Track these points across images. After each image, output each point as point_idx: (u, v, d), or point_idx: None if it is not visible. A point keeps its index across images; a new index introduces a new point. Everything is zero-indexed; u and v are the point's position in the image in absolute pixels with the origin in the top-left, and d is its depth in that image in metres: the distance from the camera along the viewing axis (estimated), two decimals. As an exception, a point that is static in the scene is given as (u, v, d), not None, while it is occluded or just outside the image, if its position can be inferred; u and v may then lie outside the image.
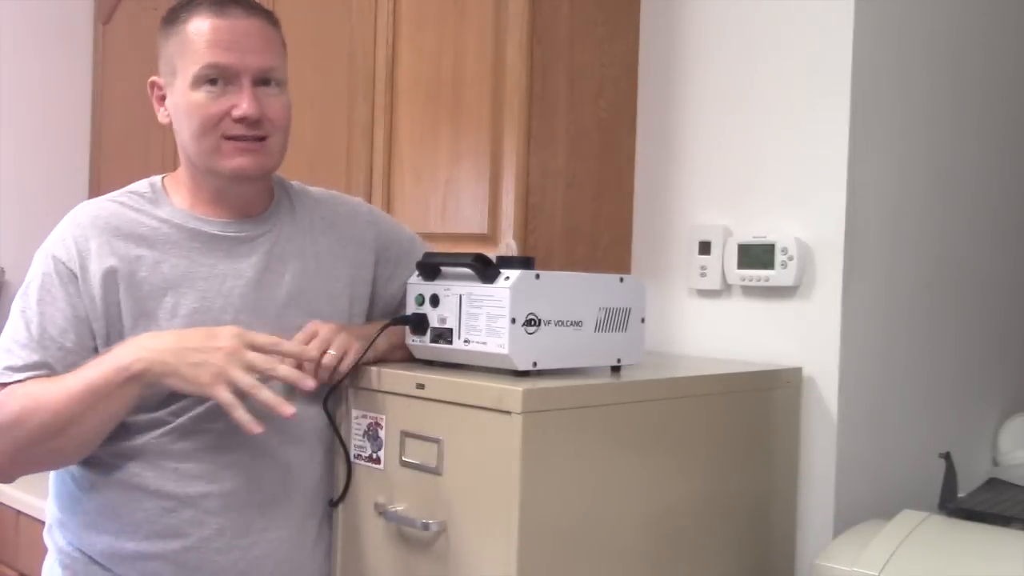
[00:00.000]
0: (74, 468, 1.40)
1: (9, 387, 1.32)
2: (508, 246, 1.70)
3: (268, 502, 1.41)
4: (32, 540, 2.52)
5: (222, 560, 1.37)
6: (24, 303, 1.38)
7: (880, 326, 1.79)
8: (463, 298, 1.35)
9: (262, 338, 1.30)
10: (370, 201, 1.93)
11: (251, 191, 1.46)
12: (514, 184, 1.78)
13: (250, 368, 1.28)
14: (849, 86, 1.69)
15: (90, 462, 1.38)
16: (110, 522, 1.37)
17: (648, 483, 1.44)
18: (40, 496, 2.50)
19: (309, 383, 1.31)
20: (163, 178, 1.50)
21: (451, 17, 1.90)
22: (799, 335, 1.75)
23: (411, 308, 1.42)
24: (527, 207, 1.79)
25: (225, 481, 1.38)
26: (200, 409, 1.36)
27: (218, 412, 1.34)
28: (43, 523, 2.41)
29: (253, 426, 1.26)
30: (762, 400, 1.67)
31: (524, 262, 1.35)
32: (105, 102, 3.01)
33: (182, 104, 1.40)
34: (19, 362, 1.34)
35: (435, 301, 1.38)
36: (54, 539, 1.44)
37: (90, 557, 1.39)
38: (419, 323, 1.40)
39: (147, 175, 2.79)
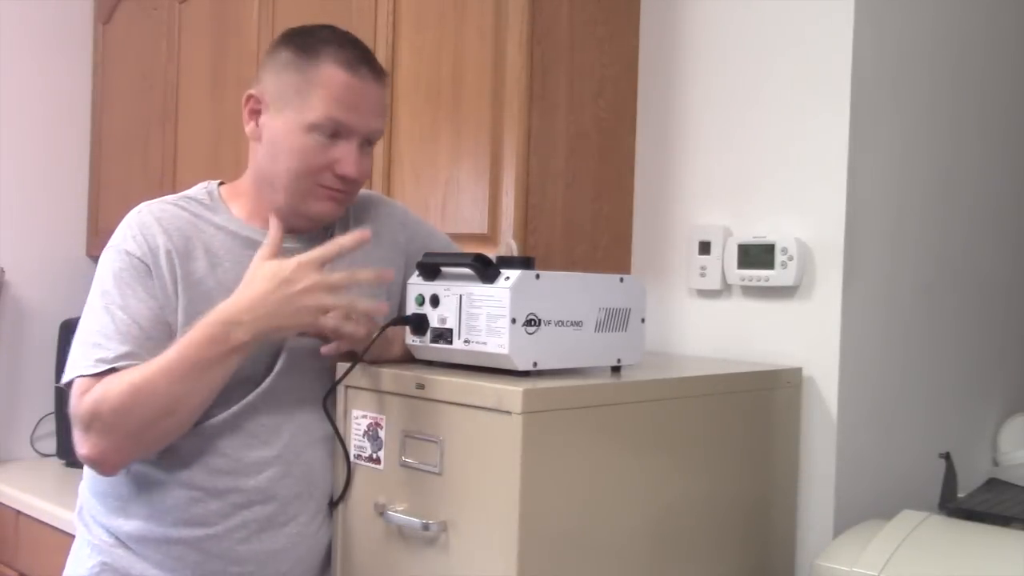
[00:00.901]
0: None
1: (105, 379, 1.34)
2: (508, 246, 1.70)
3: (291, 499, 1.44)
4: (32, 540, 2.52)
5: (243, 550, 1.41)
6: (106, 299, 1.40)
7: (880, 326, 1.80)
8: (463, 298, 1.35)
9: (336, 277, 1.34)
10: (370, 201, 1.93)
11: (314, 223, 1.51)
12: (514, 184, 1.78)
13: (334, 290, 1.33)
14: (849, 86, 1.69)
15: None
16: (140, 507, 1.41)
17: (648, 483, 1.44)
18: (40, 496, 2.51)
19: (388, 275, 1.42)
20: (219, 185, 1.53)
21: (451, 17, 1.90)
22: (799, 335, 1.75)
23: (411, 308, 1.42)
24: (527, 207, 1.79)
25: (251, 478, 1.41)
26: (236, 408, 1.41)
27: (249, 412, 1.41)
28: (43, 523, 2.43)
29: (362, 333, 1.37)
30: (762, 400, 1.67)
31: (524, 262, 1.35)
32: (105, 102, 3.01)
33: (286, 139, 1.43)
34: (110, 354, 1.36)
35: (435, 301, 1.38)
36: (84, 521, 1.49)
37: (117, 539, 1.43)
38: (419, 323, 1.40)
39: (147, 175, 2.82)
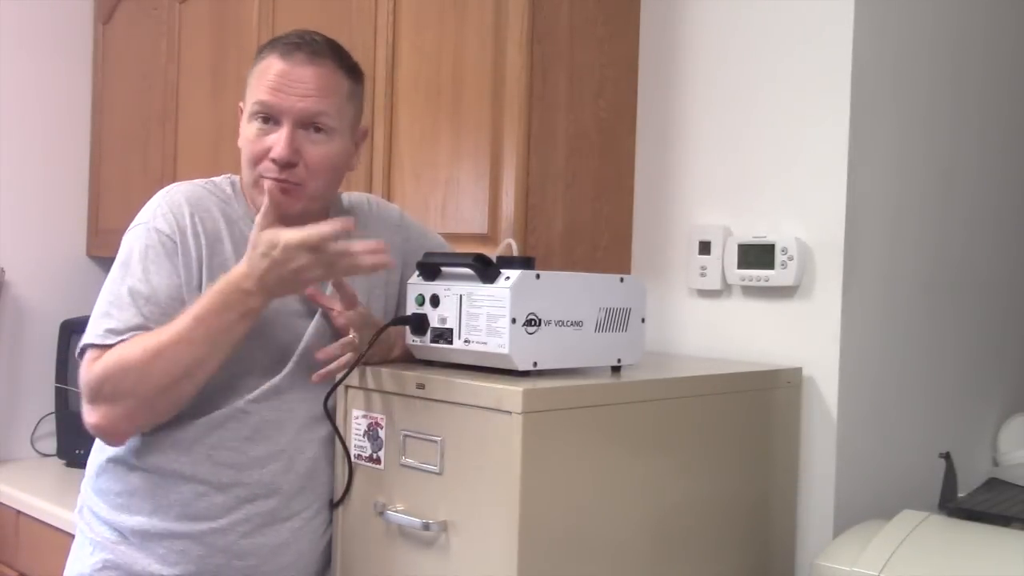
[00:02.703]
0: (112, 452, 1.45)
1: (117, 346, 1.36)
2: (508, 246, 1.70)
3: (294, 494, 1.45)
4: (32, 540, 2.52)
5: (246, 544, 1.43)
6: (125, 271, 1.42)
7: (880, 326, 1.79)
8: (463, 298, 1.35)
9: (325, 254, 1.33)
10: (370, 201, 1.93)
11: (299, 217, 1.49)
12: (514, 184, 1.78)
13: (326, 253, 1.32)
14: (849, 86, 1.69)
15: (129, 448, 1.43)
16: (144, 503, 1.43)
17: (648, 483, 1.44)
18: (40, 496, 2.51)
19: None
20: (241, 178, 1.55)
21: (451, 17, 1.90)
22: (799, 335, 1.75)
23: (411, 308, 1.42)
24: (527, 207, 1.79)
25: (255, 472, 1.43)
26: (240, 403, 1.43)
27: (254, 408, 1.43)
28: (43, 523, 2.43)
29: (382, 258, 1.35)
30: (762, 400, 1.67)
31: (524, 262, 1.35)
32: (105, 102, 3.00)
33: (241, 134, 1.48)
34: (121, 325, 1.38)
35: (435, 301, 1.39)
36: (86, 518, 1.50)
37: (120, 534, 1.44)
38: (419, 323, 1.40)
39: (146, 175, 2.82)
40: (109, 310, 1.40)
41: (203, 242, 1.43)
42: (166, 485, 1.42)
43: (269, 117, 1.43)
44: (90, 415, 1.37)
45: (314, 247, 1.31)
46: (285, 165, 1.42)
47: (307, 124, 1.43)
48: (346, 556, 1.48)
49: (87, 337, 1.39)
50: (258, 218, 1.37)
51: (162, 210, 1.45)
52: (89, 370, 1.37)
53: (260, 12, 2.37)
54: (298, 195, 1.44)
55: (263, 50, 1.48)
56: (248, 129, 1.45)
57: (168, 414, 1.39)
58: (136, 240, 1.44)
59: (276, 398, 1.44)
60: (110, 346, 1.37)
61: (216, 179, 1.54)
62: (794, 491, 1.74)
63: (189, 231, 1.43)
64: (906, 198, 1.85)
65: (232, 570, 1.42)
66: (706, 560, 1.56)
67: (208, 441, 1.42)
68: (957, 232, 2.00)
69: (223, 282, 1.35)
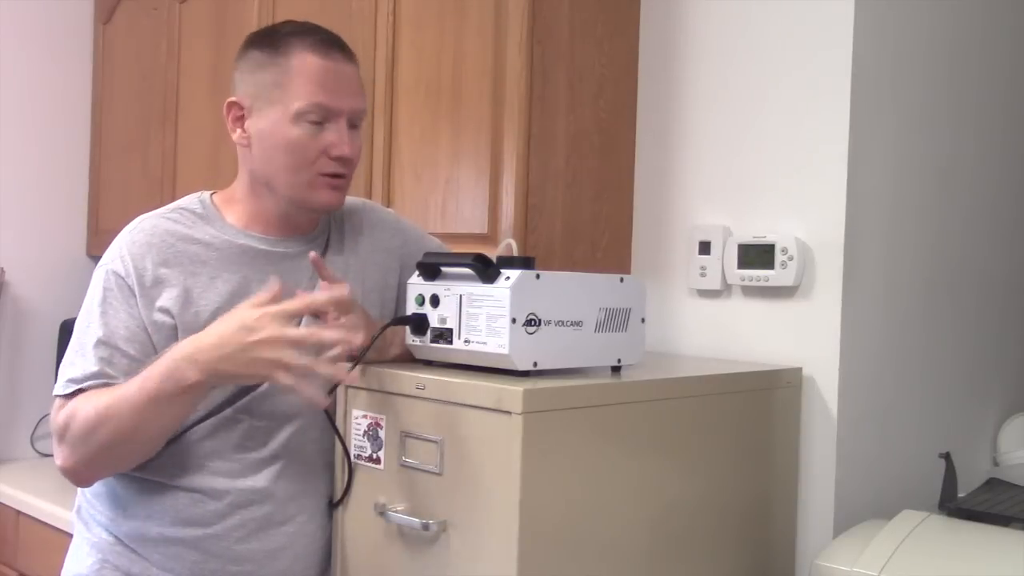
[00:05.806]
0: None
1: (78, 396, 1.37)
2: (508, 246, 1.70)
3: (288, 499, 1.45)
4: (32, 540, 2.52)
5: (241, 549, 1.43)
6: (87, 319, 1.43)
7: (880, 326, 1.80)
8: (463, 298, 1.35)
9: (298, 333, 1.29)
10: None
11: (316, 217, 1.52)
12: (514, 184, 1.78)
13: (297, 346, 1.27)
14: (849, 86, 1.69)
15: None
16: (139, 509, 1.43)
17: (648, 483, 1.44)
18: (40, 496, 2.51)
19: (346, 376, 1.32)
20: (212, 195, 1.53)
21: (451, 17, 1.90)
22: (799, 335, 1.75)
23: (411, 308, 1.42)
24: (527, 207, 1.79)
25: (247, 479, 1.43)
26: (228, 411, 1.42)
27: (245, 414, 1.42)
28: (43, 523, 2.43)
29: (320, 400, 1.31)
30: (762, 400, 1.67)
31: (524, 262, 1.35)
32: (105, 102, 3.00)
33: (275, 134, 1.43)
34: (79, 373, 1.39)
35: (435, 301, 1.38)
36: (83, 520, 1.51)
37: (117, 538, 1.45)
38: (419, 323, 1.40)
39: (147, 175, 2.82)
40: (74, 359, 1.41)
41: (171, 281, 1.41)
42: (160, 492, 1.42)
43: (322, 117, 1.42)
44: (56, 457, 1.40)
45: (297, 316, 1.29)
46: (347, 161, 1.44)
47: (351, 122, 1.45)
48: (346, 556, 1.48)
49: (56, 387, 1.41)
50: (257, 296, 1.31)
51: (120, 252, 1.44)
52: (55, 417, 1.39)
53: (260, 12, 2.37)
54: (343, 188, 1.47)
55: (280, 43, 1.44)
56: (295, 131, 1.41)
57: (125, 467, 1.41)
58: (97, 284, 1.44)
59: (265, 404, 1.43)
60: (73, 394, 1.38)
61: (182, 202, 1.51)
62: (794, 491, 1.74)
63: (148, 271, 1.42)
64: (906, 198, 1.85)
65: (228, 575, 1.43)
66: (706, 560, 1.56)
67: (200, 450, 1.42)
68: (957, 232, 2.00)
69: (175, 347, 1.33)
